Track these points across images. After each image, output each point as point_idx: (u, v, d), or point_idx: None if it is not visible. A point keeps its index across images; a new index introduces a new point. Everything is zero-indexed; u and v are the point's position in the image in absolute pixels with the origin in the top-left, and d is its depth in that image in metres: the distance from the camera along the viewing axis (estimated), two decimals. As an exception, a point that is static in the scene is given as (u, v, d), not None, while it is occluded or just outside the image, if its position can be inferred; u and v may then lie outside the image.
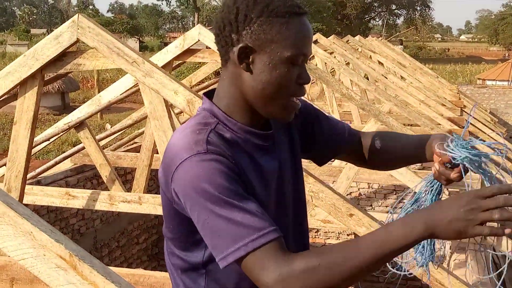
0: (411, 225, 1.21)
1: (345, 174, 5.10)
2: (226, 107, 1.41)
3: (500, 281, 1.34)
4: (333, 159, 1.85)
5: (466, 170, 1.42)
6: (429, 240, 1.40)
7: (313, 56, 9.55)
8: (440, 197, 1.55)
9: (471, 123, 9.94)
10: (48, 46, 3.29)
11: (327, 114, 1.77)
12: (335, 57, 9.91)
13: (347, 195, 9.59)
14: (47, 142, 5.29)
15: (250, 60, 1.35)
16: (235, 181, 1.29)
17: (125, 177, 7.24)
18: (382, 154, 1.71)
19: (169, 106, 3.43)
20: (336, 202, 2.98)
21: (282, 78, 1.34)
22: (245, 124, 1.41)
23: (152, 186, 7.66)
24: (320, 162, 1.79)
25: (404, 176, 4.50)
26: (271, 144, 1.48)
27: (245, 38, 1.34)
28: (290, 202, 1.54)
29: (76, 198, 4.55)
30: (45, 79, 3.74)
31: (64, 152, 7.22)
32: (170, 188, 1.34)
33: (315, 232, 9.24)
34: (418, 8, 66.79)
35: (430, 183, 1.56)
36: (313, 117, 1.68)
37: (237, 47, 1.34)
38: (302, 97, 1.52)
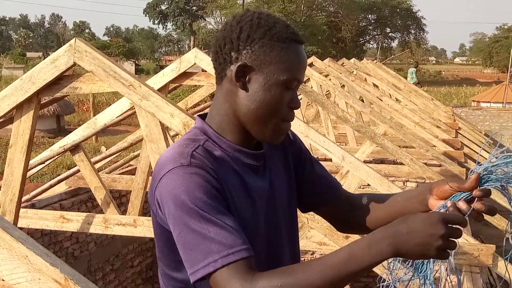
0: (377, 247, 1.23)
1: (341, 197, 5.09)
2: (218, 125, 1.45)
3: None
4: (313, 210, 1.77)
5: (488, 193, 1.39)
6: (431, 260, 1.40)
7: (308, 79, 9.60)
8: None
9: (466, 145, 9.97)
10: (45, 70, 3.30)
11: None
12: (330, 79, 9.95)
13: (343, 217, 9.55)
14: (42, 165, 5.28)
15: (247, 79, 1.39)
16: (214, 196, 1.30)
17: (120, 199, 7.22)
18: (366, 211, 1.66)
19: (165, 128, 3.43)
20: (331, 224, 2.98)
21: (276, 100, 1.38)
22: (235, 143, 1.44)
23: (147, 209, 7.61)
24: (302, 206, 1.72)
25: (400, 198, 4.49)
26: (262, 164, 1.50)
27: (245, 57, 1.38)
28: (283, 224, 1.55)
29: (71, 221, 4.54)
30: (41, 102, 3.75)
31: (58, 175, 7.20)
32: (154, 199, 1.36)
33: (311, 254, 9.19)
34: (413, 31, 67.29)
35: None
36: (306, 156, 1.70)
37: (235, 65, 1.38)
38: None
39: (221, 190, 1.34)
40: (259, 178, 1.48)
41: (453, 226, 1.24)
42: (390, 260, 1.39)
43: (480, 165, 1.41)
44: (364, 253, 1.23)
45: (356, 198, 1.71)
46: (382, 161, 9.03)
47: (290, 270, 1.25)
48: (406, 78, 19.33)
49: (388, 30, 67.60)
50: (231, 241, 1.25)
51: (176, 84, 5.18)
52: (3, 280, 1.43)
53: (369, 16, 65.98)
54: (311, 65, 10.18)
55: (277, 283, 1.22)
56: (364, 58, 20.44)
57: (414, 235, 1.21)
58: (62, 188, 6.29)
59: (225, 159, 1.41)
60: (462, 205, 1.38)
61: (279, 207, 1.53)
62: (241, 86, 1.39)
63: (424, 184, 1.61)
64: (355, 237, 3.01)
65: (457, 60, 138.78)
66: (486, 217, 5.69)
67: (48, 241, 5.92)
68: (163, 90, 4.59)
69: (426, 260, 1.38)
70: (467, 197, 1.39)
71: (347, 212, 1.70)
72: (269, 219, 1.49)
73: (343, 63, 13.32)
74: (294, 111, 1.46)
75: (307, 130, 4.75)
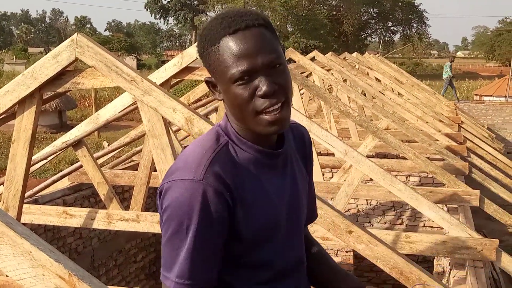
0: None
1: (344, 191, 5.09)
2: (238, 126, 1.45)
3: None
4: None
5: None
6: None
7: (311, 73, 9.59)
8: None
9: (469, 139, 9.95)
10: (47, 65, 3.29)
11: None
12: (332, 74, 9.93)
13: (346, 211, 9.57)
14: (45, 161, 5.28)
15: (217, 90, 1.43)
16: (211, 222, 1.34)
17: (123, 195, 7.22)
18: (309, 261, 1.71)
19: (167, 123, 3.43)
20: (335, 219, 2.97)
21: (236, 99, 1.36)
22: (255, 143, 1.44)
23: (150, 204, 7.64)
24: None
25: (403, 192, 4.49)
26: (280, 162, 1.50)
27: (208, 72, 1.43)
28: (302, 218, 1.60)
29: (74, 217, 4.54)
30: (43, 97, 3.74)
31: (61, 170, 7.21)
32: (159, 189, 1.40)
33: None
34: (415, 25, 67.11)
35: None
36: (311, 168, 1.71)
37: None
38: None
39: (226, 209, 1.36)
40: (279, 177, 1.50)
41: None
42: None
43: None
44: None
45: (309, 239, 1.79)
46: (384, 156, 9.02)
47: None
48: (408, 72, 19.27)
49: (390, 24, 67.44)
50: (194, 272, 1.34)
51: (178, 79, 5.16)
52: (6, 276, 1.42)
53: (371, 9, 65.81)
54: (313, 59, 10.16)
55: None
56: (366, 52, 20.39)
57: None
58: (65, 183, 6.30)
59: (245, 162, 1.42)
60: None
61: (299, 203, 1.57)
62: (218, 97, 1.43)
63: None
64: (358, 232, 3.00)
65: (459, 53, 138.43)
66: (490, 211, 5.68)
67: (51, 237, 5.93)
68: (165, 85, 4.58)
69: None
70: None
71: None
72: (291, 216, 1.52)
73: (345, 57, 13.29)
74: (272, 97, 1.36)
75: (310, 124, 4.73)
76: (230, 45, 1.34)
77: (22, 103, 3.40)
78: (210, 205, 1.32)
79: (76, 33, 3.26)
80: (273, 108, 1.36)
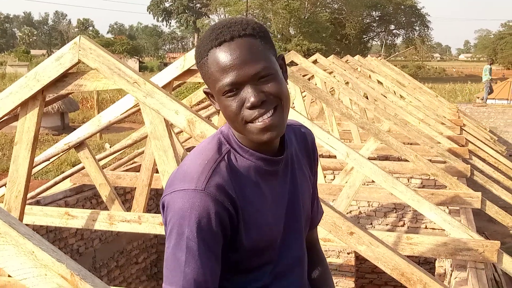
0: None
1: (345, 193, 5.10)
2: (239, 134, 1.45)
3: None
4: None
5: None
6: None
7: (313, 76, 9.60)
8: None
9: (471, 142, 9.95)
10: (50, 67, 3.31)
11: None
12: (334, 76, 9.94)
13: (347, 213, 9.57)
14: (47, 162, 5.29)
15: (215, 99, 1.42)
16: (213, 234, 1.34)
17: (125, 196, 7.24)
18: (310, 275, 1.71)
19: (169, 125, 3.44)
20: (336, 220, 2.98)
21: (226, 110, 1.37)
22: (256, 150, 1.44)
23: (152, 206, 7.65)
24: None
25: (404, 194, 4.50)
26: (283, 169, 1.50)
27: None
28: (303, 227, 1.59)
29: (76, 218, 4.55)
30: (46, 99, 3.76)
31: (63, 172, 7.22)
32: (161, 200, 1.40)
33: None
34: (417, 28, 67.18)
35: None
36: (315, 173, 1.71)
37: None
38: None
39: (227, 219, 1.37)
40: (280, 184, 1.50)
41: None
42: None
43: None
44: None
45: (316, 255, 1.76)
46: (386, 158, 9.02)
47: None
48: (410, 75, 19.26)
49: (392, 27, 67.51)
50: (198, 283, 1.32)
51: (180, 81, 5.18)
52: (9, 276, 1.43)
53: (373, 13, 65.89)
54: (315, 62, 10.17)
55: None
56: (368, 55, 20.41)
57: None
58: (66, 185, 6.31)
59: (246, 170, 1.43)
60: None
61: (300, 212, 1.56)
62: (216, 107, 1.44)
63: None
64: (359, 234, 3.01)
65: (461, 57, 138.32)
66: (491, 213, 5.69)
67: (53, 238, 5.94)
68: (168, 87, 4.60)
69: None
70: None
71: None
72: (290, 225, 1.52)
73: (347, 60, 13.30)
74: (259, 107, 1.35)
75: (311, 126, 4.74)
76: (216, 57, 1.34)
77: (25, 105, 3.41)
78: (211, 215, 1.33)
79: (79, 36, 3.28)
80: (261, 118, 1.35)
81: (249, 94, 1.33)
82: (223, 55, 1.33)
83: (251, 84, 1.33)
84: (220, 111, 1.44)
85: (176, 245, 1.32)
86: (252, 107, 1.33)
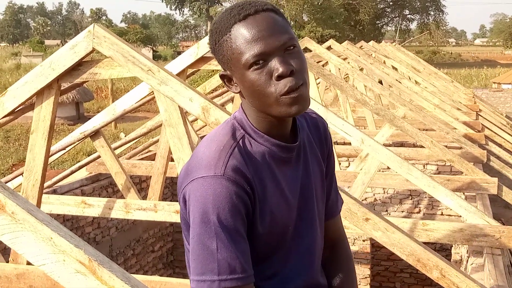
0: None
1: (360, 179, 5.09)
2: (253, 117, 1.45)
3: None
4: None
5: None
6: None
7: (327, 62, 9.55)
8: None
9: (487, 127, 9.87)
10: (65, 56, 3.32)
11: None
12: (348, 62, 9.89)
13: (363, 200, 9.56)
14: (63, 151, 5.33)
15: (232, 82, 1.42)
16: (237, 216, 1.33)
17: (140, 185, 7.28)
18: (331, 274, 1.69)
19: (183, 113, 3.44)
20: (352, 206, 2.98)
21: (254, 85, 1.35)
22: (271, 135, 1.44)
23: (167, 194, 7.69)
24: None
25: (420, 180, 4.48)
26: (295, 156, 1.50)
27: (221, 67, 1.43)
28: (318, 216, 1.57)
29: (92, 207, 4.59)
30: (61, 88, 3.78)
31: (79, 161, 7.27)
32: (181, 193, 1.39)
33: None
34: (432, 13, 66.44)
35: None
36: (330, 159, 1.68)
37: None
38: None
39: (249, 203, 1.37)
40: (293, 171, 1.49)
41: None
42: None
43: None
44: None
45: (340, 256, 1.72)
46: (402, 144, 8.98)
47: None
48: (425, 60, 19.11)
49: (406, 12, 66.81)
50: (234, 267, 1.31)
51: (194, 69, 5.18)
52: (28, 263, 1.45)
53: (387, -3, 65.28)
54: (329, 48, 10.11)
55: None
56: (383, 41, 20.26)
57: None
58: (83, 174, 6.36)
59: (261, 155, 1.42)
60: None
61: (313, 199, 1.55)
62: (234, 90, 1.43)
63: None
64: (375, 220, 3.00)
65: (477, 41, 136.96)
66: (508, 199, 5.64)
67: (70, 227, 6.00)
68: (181, 75, 4.60)
69: None
70: None
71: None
72: (302, 212, 1.51)
73: (361, 46, 13.22)
74: (289, 77, 1.34)
75: (326, 113, 4.73)
76: (242, 31, 1.34)
77: (41, 94, 3.43)
78: (234, 199, 1.32)
79: (93, 24, 3.28)
80: (291, 89, 1.34)
81: (277, 65, 1.33)
82: (250, 26, 1.33)
83: (278, 55, 1.34)
84: (240, 95, 1.43)
85: (203, 233, 1.31)
86: (281, 76, 1.33)
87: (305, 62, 1.39)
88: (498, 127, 10.80)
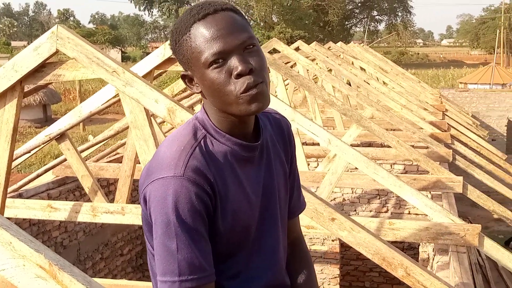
0: None
1: (328, 180, 5.12)
2: (215, 117, 1.44)
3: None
4: None
5: None
6: None
7: (295, 63, 9.59)
8: None
9: (453, 127, 10.03)
10: (28, 58, 3.28)
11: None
12: (317, 63, 9.94)
13: (331, 200, 9.62)
14: (28, 155, 5.25)
15: (194, 82, 1.42)
16: (197, 216, 1.34)
17: (108, 188, 7.21)
18: (294, 276, 1.71)
19: (150, 115, 3.42)
20: (318, 206, 2.99)
21: (213, 83, 1.35)
22: (232, 135, 1.44)
23: (135, 197, 7.63)
24: None
25: (386, 180, 4.52)
26: (258, 156, 1.50)
27: (182, 67, 1.43)
28: (280, 215, 1.57)
29: (58, 210, 4.52)
30: (25, 90, 3.72)
31: (46, 164, 7.17)
32: (142, 194, 1.39)
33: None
34: (400, 14, 67.24)
35: None
36: (293, 158, 1.69)
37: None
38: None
39: (209, 203, 1.37)
40: (255, 171, 1.49)
41: None
42: None
43: None
44: None
45: (301, 255, 1.75)
46: (370, 144, 9.07)
47: None
48: (393, 61, 19.30)
49: (375, 13, 67.50)
50: (194, 267, 1.33)
51: (161, 70, 5.15)
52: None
53: (356, -1, 65.85)
54: (297, 49, 10.16)
55: None
56: (352, 42, 20.43)
57: None
58: (49, 177, 6.27)
59: (223, 155, 1.42)
60: None
61: (276, 199, 1.55)
62: (195, 91, 1.43)
63: None
64: (341, 220, 3.03)
65: (444, 42, 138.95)
66: (473, 197, 5.74)
67: (37, 231, 5.91)
68: (148, 76, 4.57)
69: None
70: None
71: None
72: (265, 212, 1.52)
73: (330, 47, 13.31)
74: (248, 75, 1.34)
75: (293, 114, 4.75)
76: (201, 30, 1.34)
77: (3, 96, 3.38)
78: (194, 199, 1.32)
79: (56, 25, 3.25)
80: (250, 87, 1.34)
81: (237, 63, 1.33)
82: (209, 25, 1.34)
83: (238, 54, 1.34)
84: (201, 95, 1.43)
85: (164, 234, 1.32)
86: (240, 74, 1.33)
87: (264, 61, 1.39)
88: (464, 126, 10.99)
